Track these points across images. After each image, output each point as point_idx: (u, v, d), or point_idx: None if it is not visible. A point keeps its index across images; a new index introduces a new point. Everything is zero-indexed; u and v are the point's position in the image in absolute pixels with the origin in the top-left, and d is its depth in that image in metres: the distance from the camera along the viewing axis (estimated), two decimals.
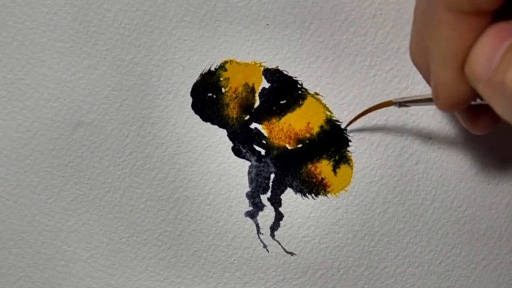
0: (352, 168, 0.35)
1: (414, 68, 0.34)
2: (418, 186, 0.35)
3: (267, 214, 0.35)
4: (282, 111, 0.35)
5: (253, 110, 0.35)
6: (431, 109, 0.35)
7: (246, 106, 0.35)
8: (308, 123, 0.35)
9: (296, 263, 0.35)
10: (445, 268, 0.36)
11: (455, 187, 0.35)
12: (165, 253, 0.35)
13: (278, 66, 0.35)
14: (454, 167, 0.35)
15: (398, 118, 0.35)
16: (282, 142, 0.35)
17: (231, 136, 0.35)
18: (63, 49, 0.35)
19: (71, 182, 0.35)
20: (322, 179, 0.35)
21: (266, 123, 0.35)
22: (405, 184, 0.35)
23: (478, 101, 0.24)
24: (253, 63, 0.35)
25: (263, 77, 0.35)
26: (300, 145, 0.35)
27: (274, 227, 0.35)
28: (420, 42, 0.24)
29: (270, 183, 0.35)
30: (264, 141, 0.35)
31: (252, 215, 0.35)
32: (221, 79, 0.35)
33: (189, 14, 0.34)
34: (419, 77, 0.34)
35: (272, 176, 0.35)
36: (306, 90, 0.35)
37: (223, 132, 0.35)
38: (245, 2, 0.34)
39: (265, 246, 0.35)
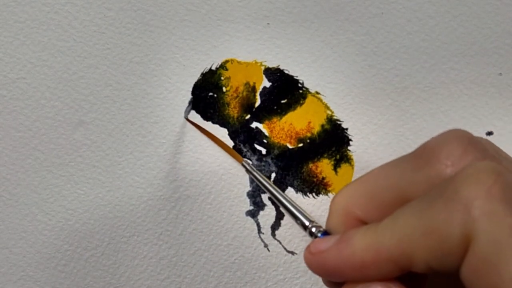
0: (353, 167, 0.35)
1: (415, 68, 0.35)
2: None
3: (268, 214, 0.35)
4: (283, 110, 0.35)
5: (254, 109, 0.35)
6: (431, 108, 0.35)
7: (247, 105, 0.35)
8: (309, 122, 0.35)
9: (297, 262, 0.35)
10: None
11: None
12: (166, 252, 0.35)
13: (279, 65, 0.35)
14: None
15: (399, 117, 0.35)
16: (283, 141, 0.35)
17: (232, 135, 0.35)
18: (64, 48, 0.35)
19: (72, 181, 0.35)
20: (323, 178, 0.35)
21: (267, 122, 0.35)
22: None
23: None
24: (254, 62, 0.35)
25: (264, 76, 0.35)
26: (301, 144, 0.35)
27: (275, 226, 0.35)
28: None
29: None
30: (265, 140, 0.35)
31: (253, 214, 0.35)
32: (222, 78, 0.35)
33: (190, 14, 0.35)
34: (419, 77, 0.35)
35: (273, 175, 0.35)
36: (307, 89, 0.35)
37: (224, 131, 0.35)
38: (246, 2, 0.34)
39: (266, 246, 0.35)
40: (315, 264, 0.23)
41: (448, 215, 0.18)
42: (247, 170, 0.33)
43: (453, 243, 0.18)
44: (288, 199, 0.29)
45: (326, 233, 0.26)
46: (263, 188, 0.32)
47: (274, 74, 0.35)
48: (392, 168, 0.23)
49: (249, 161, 0.34)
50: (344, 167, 0.35)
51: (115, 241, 0.35)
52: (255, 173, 0.32)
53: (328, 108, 0.35)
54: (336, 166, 0.35)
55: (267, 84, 0.35)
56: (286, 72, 0.35)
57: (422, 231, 0.19)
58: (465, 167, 0.20)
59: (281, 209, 0.30)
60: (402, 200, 0.22)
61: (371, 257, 0.21)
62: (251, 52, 0.35)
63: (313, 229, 0.26)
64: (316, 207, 0.35)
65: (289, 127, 0.35)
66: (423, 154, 0.22)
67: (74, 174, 0.35)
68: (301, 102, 0.35)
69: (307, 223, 0.27)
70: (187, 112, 0.35)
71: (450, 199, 0.19)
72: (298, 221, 0.28)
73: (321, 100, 0.35)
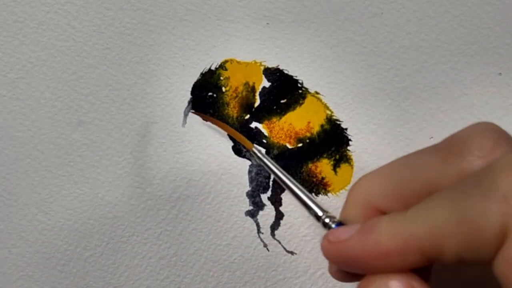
0: (352, 167, 0.35)
1: (415, 67, 0.34)
2: None
3: (268, 214, 0.35)
4: (282, 110, 0.35)
5: (253, 109, 0.35)
6: (431, 108, 0.35)
7: (246, 105, 0.35)
8: (309, 122, 0.35)
9: (296, 262, 0.35)
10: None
11: None
12: (166, 252, 0.35)
13: (278, 65, 0.35)
14: None
15: (399, 117, 0.35)
16: (282, 141, 0.35)
17: (231, 136, 0.35)
18: (63, 48, 0.35)
19: (71, 181, 0.35)
20: (323, 178, 0.35)
21: (266, 122, 0.35)
22: None
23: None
24: (253, 62, 0.35)
25: (263, 76, 0.35)
26: (300, 144, 0.35)
27: (275, 226, 0.35)
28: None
29: (271, 183, 0.35)
30: (264, 140, 0.35)
31: (252, 214, 0.35)
32: (222, 78, 0.35)
33: (190, 13, 0.34)
34: (419, 77, 0.34)
35: (273, 175, 0.35)
36: (306, 89, 0.35)
37: (224, 131, 0.35)
38: (246, 2, 0.34)
39: (265, 245, 0.35)
40: (334, 253, 0.22)
41: (486, 206, 0.18)
42: (257, 157, 0.33)
43: (489, 235, 0.18)
44: (301, 188, 0.28)
45: (340, 224, 0.25)
46: (274, 176, 0.31)
47: (273, 74, 0.35)
48: (418, 159, 0.22)
49: (259, 148, 0.34)
50: (343, 167, 0.35)
51: (115, 241, 0.35)
52: (265, 160, 0.32)
53: (327, 108, 0.35)
54: (335, 166, 0.35)
55: (267, 84, 0.35)
56: (285, 72, 0.35)
57: (457, 222, 0.19)
58: (501, 158, 0.19)
59: (293, 198, 0.29)
60: (428, 191, 0.21)
61: (398, 246, 0.20)
62: (250, 52, 0.35)
63: (327, 220, 0.26)
64: None
65: (289, 127, 0.35)
66: (453, 146, 0.21)
67: (73, 174, 0.35)
68: (301, 102, 0.35)
69: (320, 213, 0.26)
70: (187, 112, 0.35)
71: (488, 189, 0.18)
72: (311, 211, 0.27)
73: (320, 100, 0.35)
